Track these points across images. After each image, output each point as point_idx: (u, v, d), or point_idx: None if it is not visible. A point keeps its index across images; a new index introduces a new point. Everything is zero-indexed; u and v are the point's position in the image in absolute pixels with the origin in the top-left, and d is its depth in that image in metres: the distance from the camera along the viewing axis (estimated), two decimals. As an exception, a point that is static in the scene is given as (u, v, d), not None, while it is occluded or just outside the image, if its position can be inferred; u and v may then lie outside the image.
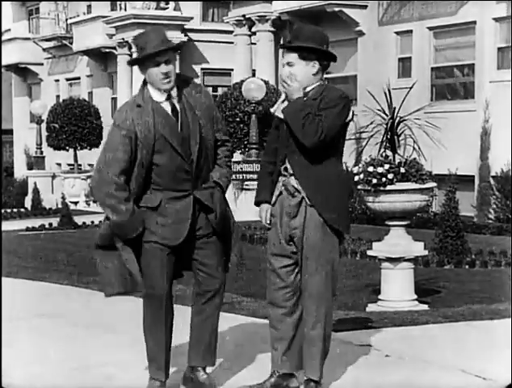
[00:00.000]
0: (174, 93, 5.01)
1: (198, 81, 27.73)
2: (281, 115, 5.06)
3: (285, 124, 5.05)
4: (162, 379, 5.13)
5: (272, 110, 5.14)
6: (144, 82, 5.05)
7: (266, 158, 5.32)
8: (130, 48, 26.86)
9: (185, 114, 5.00)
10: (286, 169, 5.07)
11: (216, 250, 5.19)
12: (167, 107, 4.99)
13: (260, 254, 13.19)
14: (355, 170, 8.29)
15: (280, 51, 5.02)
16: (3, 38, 33.87)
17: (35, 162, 28.55)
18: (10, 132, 37.62)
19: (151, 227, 4.97)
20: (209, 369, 5.33)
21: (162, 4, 27.16)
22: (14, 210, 24.96)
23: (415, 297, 8.36)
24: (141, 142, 4.89)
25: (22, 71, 36.17)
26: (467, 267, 11.56)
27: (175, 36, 26.62)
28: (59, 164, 31.53)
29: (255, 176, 19.30)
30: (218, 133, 5.16)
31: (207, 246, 5.14)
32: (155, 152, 4.92)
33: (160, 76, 4.92)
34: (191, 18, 26.98)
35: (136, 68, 5.16)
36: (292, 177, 5.05)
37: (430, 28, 19.61)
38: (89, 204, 27.36)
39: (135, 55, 4.39)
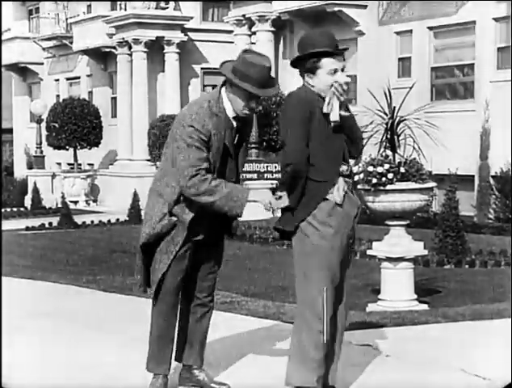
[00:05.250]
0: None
1: (198, 81, 27.73)
2: (336, 119, 4.81)
3: (347, 127, 4.88)
4: (167, 372, 5.16)
5: (333, 114, 4.82)
6: (223, 85, 5.04)
7: (305, 160, 4.76)
8: (130, 47, 26.85)
9: (239, 131, 5.11)
10: (348, 169, 4.90)
11: (218, 255, 5.30)
12: (234, 122, 5.04)
13: (260, 254, 13.20)
14: (355, 169, 8.29)
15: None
16: (3, 37, 33.86)
17: (35, 162, 28.57)
18: (10, 131, 37.60)
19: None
20: (204, 367, 5.35)
21: (162, 4, 27.13)
22: (14, 209, 24.99)
23: (415, 296, 8.36)
24: (213, 152, 4.93)
25: (22, 71, 36.14)
26: (467, 266, 11.57)
27: (175, 36, 26.64)
28: (59, 163, 31.52)
29: (255, 176, 19.31)
30: None
31: (214, 249, 5.23)
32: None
33: (245, 108, 4.96)
34: (191, 17, 26.96)
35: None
36: (347, 178, 4.89)
37: (430, 28, 19.61)
38: (89, 204, 27.41)
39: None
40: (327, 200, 4.76)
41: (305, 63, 4.83)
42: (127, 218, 19.63)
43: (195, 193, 4.86)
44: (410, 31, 20.00)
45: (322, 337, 4.74)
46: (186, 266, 5.09)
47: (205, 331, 5.32)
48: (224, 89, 5.01)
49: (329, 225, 4.74)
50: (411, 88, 9.03)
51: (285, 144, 4.75)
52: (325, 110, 4.79)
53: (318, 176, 4.75)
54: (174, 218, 4.99)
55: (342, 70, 4.91)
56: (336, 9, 21.03)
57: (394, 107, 8.35)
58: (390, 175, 7.99)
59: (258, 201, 4.89)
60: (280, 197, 4.84)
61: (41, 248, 14.51)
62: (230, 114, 5.00)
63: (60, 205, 20.89)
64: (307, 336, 4.74)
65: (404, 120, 8.33)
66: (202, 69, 27.57)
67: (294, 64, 4.92)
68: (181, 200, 4.99)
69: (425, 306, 8.37)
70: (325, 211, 4.75)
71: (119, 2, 29.12)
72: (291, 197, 4.76)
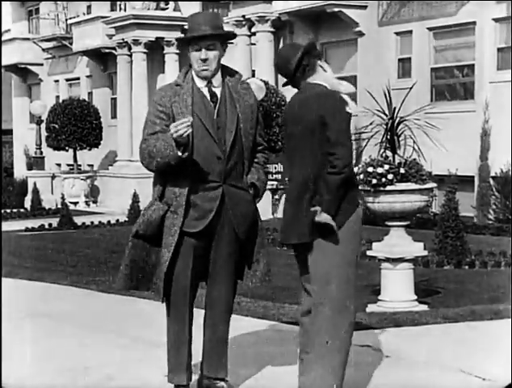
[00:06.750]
0: (215, 82, 4.92)
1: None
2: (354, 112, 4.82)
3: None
4: (183, 382, 4.92)
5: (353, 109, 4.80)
6: (190, 64, 4.98)
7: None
8: (130, 48, 26.85)
9: (224, 103, 4.91)
10: None
11: (234, 256, 4.97)
12: (206, 92, 4.92)
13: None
14: (355, 170, 8.29)
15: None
16: (3, 38, 33.85)
17: (35, 163, 28.57)
18: (10, 132, 37.60)
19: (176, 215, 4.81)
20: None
21: (162, 4, 27.12)
22: (14, 210, 24.99)
23: (415, 297, 8.37)
24: (178, 120, 4.73)
25: (21, 71, 36.13)
26: (466, 267, 11.58)
27: (175, 37, 26.63)
28: (58, 164, 31.52)
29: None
30: (260, 138, 5.05)
31: (227, 250, 4.93)
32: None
33: (198, 61, 4.86)
34: (191, 18, 26.97)
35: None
36: None
37: (430, 29, 19.60)
38: (88, 205, 27.40)
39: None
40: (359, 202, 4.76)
41: (309, 57, 4.77)
42: (126, 219, 19.64)
43: (146, 166, 4.86)
44: (410, 31, 20.00)
45: (351, 339, 4.75)
46: (194, 261, 4.83)
47: (224, 342, 5.08)
48: None
49: (359, 226, 4.73)
50: (411, 89, 9.04)
51: (341, 144, 4.53)
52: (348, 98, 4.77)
53: (355, 179, 4.76)
54: (164, 205, 4.80)
55: None
56: (336, 9, 21.01)
57: (394, 108, 8.37)
58: (390, 176, 8.00)
59: (177, 129, 4.62)
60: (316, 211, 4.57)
61: (41, 249, 14.51)
62: (199, 84, 4.92)
63: (59, 206, 20.89)
64: (341, 340, 4.69)
65: (404, 120, 8.35)
66: (202, 69, 27.58)
67: (296, 67, 4.77)
68: (168, 185, 4.84)
69: (425, 307, 8.37)
70: (359, 213, 4.72)
71: (118, 3, 29.13)
72: (331, 205, 4.56)
